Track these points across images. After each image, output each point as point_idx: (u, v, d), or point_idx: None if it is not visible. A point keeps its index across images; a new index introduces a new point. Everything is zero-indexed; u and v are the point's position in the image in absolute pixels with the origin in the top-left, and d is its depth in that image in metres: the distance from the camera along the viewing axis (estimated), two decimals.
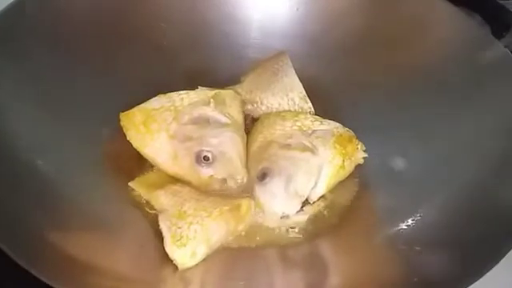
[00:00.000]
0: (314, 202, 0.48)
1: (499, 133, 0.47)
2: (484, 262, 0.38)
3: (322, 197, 0.48)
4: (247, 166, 0.49)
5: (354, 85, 0.56)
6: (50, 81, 0.49)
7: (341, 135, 0.49)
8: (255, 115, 0.55)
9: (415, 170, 0.48)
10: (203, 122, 0.49)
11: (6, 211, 0.39)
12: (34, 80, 0.48)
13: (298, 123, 0.50)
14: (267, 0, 0.60)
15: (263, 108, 0.55)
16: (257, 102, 0.55)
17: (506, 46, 0.57)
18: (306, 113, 0.53)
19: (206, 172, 0.47)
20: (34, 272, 0.34)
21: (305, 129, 0.50)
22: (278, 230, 0.46)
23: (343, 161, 0.48)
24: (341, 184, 0.49)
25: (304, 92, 0.54)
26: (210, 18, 0.59)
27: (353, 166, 0.49)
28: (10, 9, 0.49)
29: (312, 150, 0.48)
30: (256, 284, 0.43)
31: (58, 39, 0.51)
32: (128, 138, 0.49)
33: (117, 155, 0.49)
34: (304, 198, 0.47)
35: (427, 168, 0.48)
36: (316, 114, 0.53)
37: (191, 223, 0.42)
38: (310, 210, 0.47)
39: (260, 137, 0.50)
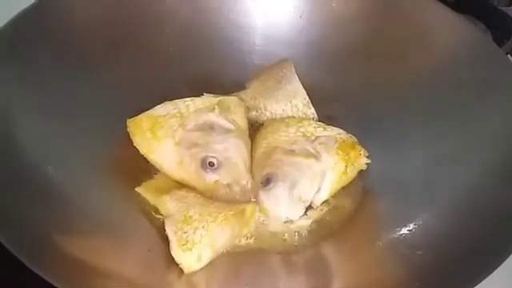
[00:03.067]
0: (317, 207, 0.48)
1: (500, 138, 0.47)
2: (485, 266, 0.38)
3: (326, 202, 0.49)
4: (251, 172, 0.49)
5: (357, 91, 0.56)
6: (56, 87, 0.50)
7: (344, 141, 0.50)
8: (259, 121, 0.55)
9: (417, 175, 0.49)
10: (208, 128, 0.50)
11: (14, 215, 0.39)
12: (41, 86, 0.49)
13: (302, 129, 0.51)
14: (271, 7, 0.61)
15: (267, 114, 0.55)
16: (261, 109, 0.55)
17: (507, 53, 0.58)
18: (310, 119, 0.54)
19: (211, 177, 0.48)
20: (41, 275, 0.35)
21: (308, 135, 0.50)
22: (281, 235, 0.46)
23: (346, 166, 0.48)
24: (344, 189, 0.50)
25: (307, 98, 0.55)
26: (215, 25, 0.60)
27: (356, 171, 0.49)
28: (16, 18, 0.49)
29: (315, 156, 0.48)
30: None
31: (63, 47, 0.52)
32: (135, 144, 0.50)
33: (123, 161, 0.50)
34: (308, 203, 0.47)
35: (429, 173, 0.48)
36: (319, 121, 0.54)
37: (197, 228, 0.43)
38: (313, 215, 0.48)
39: (264, 143, 0.51)
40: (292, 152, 0.49)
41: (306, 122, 0.52)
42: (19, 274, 0.36)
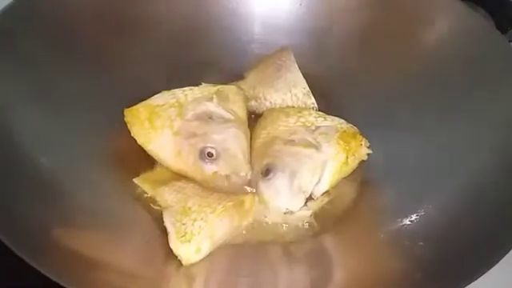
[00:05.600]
0: (317, 198, 0.48)
1: (502, 129, 0.47)
2: (488, 257, 0.38)
3: (326, 192, 0.48)
4: (251, 162, 0.49)
5: (358, 80, 0.56)
6: (53, 78, 0.49)
7: (344, 131, 0.49)
8: (259, 111, 0.55)
9: (418, 166, 0.48)
10: (207, 118, 0.49)
11: (12, 208, 0.39)
12: (37, 78, 0.48)
13: (302, 119, 0.50)
14: None
15: (267, 104, 0.55)
16: (260, 98, 0.55)
17: (510, 41, 0.57)
18: (310, 109, 0.53)
19: (209, 168, 0.47)
20: (39, 268, 0.35)
21: (308, 125, 0.50)
22: (281, 226, 0.46)
23: (347, 157, 0.48)
24: (344, 180, 0.49)
25: (307, 88, 0.54)
26: (214, 14, 0.59)
27: (356, 162, 0.49)
28: (10, 8, 0.49)
29: (316, 147, 0.48)
30: (260, 279, 0.43)
31: (60, 37, 0.51)
32: (132, 134, 0.49)
33: (121, 151, 0.49)
34: (308, 194, 0.47)
35: (430, 164, 0.48)
36: (319, 110, 0.53)
37: (195, 219, 0.43)
38: (313, 206, 0.47)
39: (264, 133, 0.50)
40: (292, 142, 0.48)
41: (306, 112, 0.51)
42: (17, 267, 0.35)
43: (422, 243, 0.42)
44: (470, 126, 0.49)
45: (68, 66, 0.50)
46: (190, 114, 0.49)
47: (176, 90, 0.51)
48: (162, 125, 0.49)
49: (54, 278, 0.34)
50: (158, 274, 0.41)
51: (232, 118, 0.50)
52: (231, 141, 0.48)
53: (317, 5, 0.59)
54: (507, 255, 0.38)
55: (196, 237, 0.42)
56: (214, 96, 0.50)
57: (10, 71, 0.47)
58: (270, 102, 0.55)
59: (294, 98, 0.54)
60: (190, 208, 0.44)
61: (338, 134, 0.49)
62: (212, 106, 0.50)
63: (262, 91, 0.55)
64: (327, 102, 0.54)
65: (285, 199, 0.46)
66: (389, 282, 0.41)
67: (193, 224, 0.42)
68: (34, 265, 0.35)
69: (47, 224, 0.40)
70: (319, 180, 0.47)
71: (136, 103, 0.50)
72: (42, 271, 0.35)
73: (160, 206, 0.46)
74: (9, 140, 0.43)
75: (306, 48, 0.58)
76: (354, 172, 0.49)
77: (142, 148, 0.49)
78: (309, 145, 0.48)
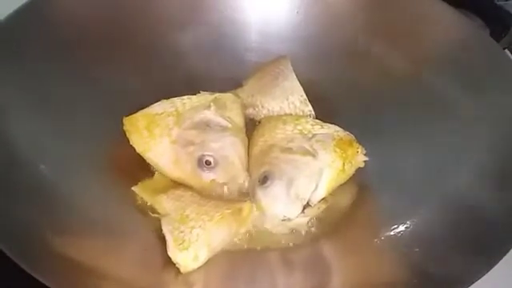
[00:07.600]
0: (314, 205, 0.48)
1: (498, 135, 0.47)
2: (483, 263, 0.38)
3: (323, 199, 0.48)
4: (248, 170, 0.49)
5: (354, 88, 0.56)
6: (52, 85, 0.50)
7: (341, 139, 0.49)
8: (256, 119, 0.55)
9: (415, 172, 0.49)
10: (204, 126, 0.49)
11: (9, 216, 0.39)
12: (36, 84, 0.48)
13: (299, 127, 0.50)
14: (267, 3, 0.60)
15: (264, 112, 0.55)
16: (258, 106, 0.55)
17: (504, 48, 0.58)
18: (307, 116, 0.53)
19: (207, 176, 0.48)
20: (36, 276, 0.35)
21: (305, 132, 0.50)
22: (279, 233, 0.46)
23: (343, 164, 0.48)
24: (341, 187, 0.49)
25: (304, 95, 0.54)
26: (211, 22, 0.60)
27: (353, 169, 0.49)
28: (12, 17, 0.50)
29: (313, 154, 0.48)
30: (258, 286, 0.43)
31: (60, 44, 0.52)
32: (131, 143, 0.49)
33: (120, 159, 0.49)
34: (305, 202, 0.47)
35: (427, 170, 0.48)
36: (316, 118, 0.53)
37: (193, 227, 0.43)
38: (310, 213, 0.48)
39: (261, 140, 0.51)
40: (289, 150, 0.49)
41: (303, 120, 0.52)
42: (17, 267, 0.35)
43: (418, 249, 0.42)
44: (467, 131, 0.49)
45: (68, 74, 0.51)
46: (187, 123, 0.49)
47: (175, 98, 0.51)
48: (160, 133, 0.49)
49: (52, 286, 0.35)
50: (157, 282, 0.42)
51: (229, 125, 0.50)
52: (229, 148, 0.48)
53: (314, 13, 0.60)
54: (503, 259, 0.38)
55: (194, 244, 0.42)
56: (212, 104, 0.51)
57: (10, 78, 0.47)
58: (268, 110, 0.55)
59: (292, 106, 0.55)
60: (187, 216, 0.44)
61: (334, 142, 0.49)
62: (210, 114, 0.50)
63: (260, 99, 0.55)
64: (324, 110, 0.54)
65: (282, 206, 0.46)
66: None
67: (191, 232, 0.42)
68: (32, 272, 0.35)
69: (45, 231, 0.40)
70: (316, 187, 0.47)
71: (135, 112, 0.50)
72: (40, 279, 0.35)
73: (158, 214, 0.46)
74: (8, 147, 0.44)
75: (303, 56, 0.59)
76: (350, 179, 0.50)
77: (141, 156, 0.49)
78: (306, 152, 0.48)
